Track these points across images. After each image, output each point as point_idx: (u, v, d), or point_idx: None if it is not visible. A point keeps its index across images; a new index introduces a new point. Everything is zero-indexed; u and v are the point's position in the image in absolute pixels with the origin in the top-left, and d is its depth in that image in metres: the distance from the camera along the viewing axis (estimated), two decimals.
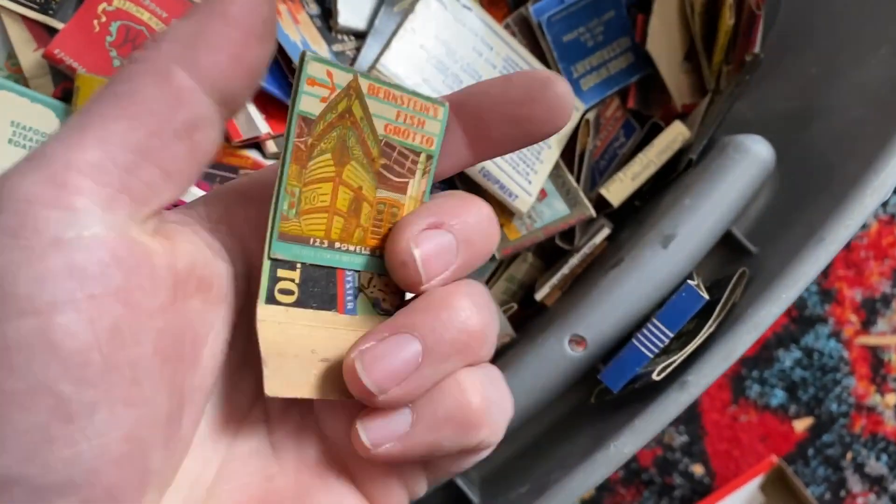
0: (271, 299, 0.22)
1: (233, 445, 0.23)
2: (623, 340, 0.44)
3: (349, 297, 0.23)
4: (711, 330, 0.40)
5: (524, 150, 0.49)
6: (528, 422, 0.46)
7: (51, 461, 0.17)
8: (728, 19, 0.51)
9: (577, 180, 0.51)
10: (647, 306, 0.43)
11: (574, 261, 0.49)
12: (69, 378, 0.17)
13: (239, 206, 0.23)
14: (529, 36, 0.51)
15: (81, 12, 0.46)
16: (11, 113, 0.44)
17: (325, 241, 0.22)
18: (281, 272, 0.22)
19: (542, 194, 0.50)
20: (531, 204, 0.48)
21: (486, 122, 0.23)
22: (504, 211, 0.49)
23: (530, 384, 0.45)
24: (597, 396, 0.45)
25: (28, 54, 0.47)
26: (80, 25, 0.46)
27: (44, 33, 0.47)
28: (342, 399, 0.22)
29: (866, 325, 0.70)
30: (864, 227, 0.70)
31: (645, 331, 0.40)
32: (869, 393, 0.70)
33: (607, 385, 0.41)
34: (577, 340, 0.44)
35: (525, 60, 0.50)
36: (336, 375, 0.22)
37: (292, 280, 0.22)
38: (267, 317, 0.22)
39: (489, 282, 0.52)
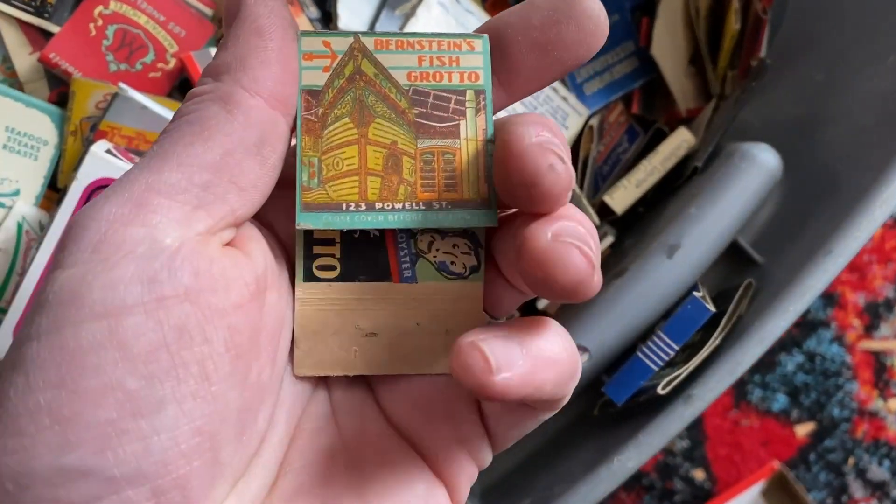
0: (310, 276, 0.22)
1: (300, 425, 0.23)
2: (627, 351, 0.43)
3: (405, 265, 0.22)
4: (717, 343, 0.39)
5: None
6: (531, 433, 0.46)
7: (121, 453, 0.18)
8: (734, 24, 0.50)
9: (581, 187, 0.51)
10: (651, 317, 0.43)
11: None
12: (137, 375, 0.18)
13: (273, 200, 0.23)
14: None
15: (77, 16, 0.45)
16: (6, 118, 0.44)
17: (363, 204, 0.21)
18: (318, 248, 0.22)
19: None
20: None
21: (512, 54, 0.21)
22: None
23: None
24: (600, 409, 0.45)
25: (23, 58, 0.46)
26: (75, 29, 0.45)
27: (39, 37, 0.46)
28: (383, 372, 0.22)
29: (869, 329, 0.69)
30: None
31: (650, 343, 0.40)
32: (871, 398, 0.70)
33: (611, 398, 0.40)
34: (581, 351, 0.43)
35: None
36: (387, 349, 0.21)
37: (332, 255, 0.22)
38: (306, 295, 0.21)
39: None
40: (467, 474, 0.23)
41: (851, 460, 0.69)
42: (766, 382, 0.69)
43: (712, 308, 0.39)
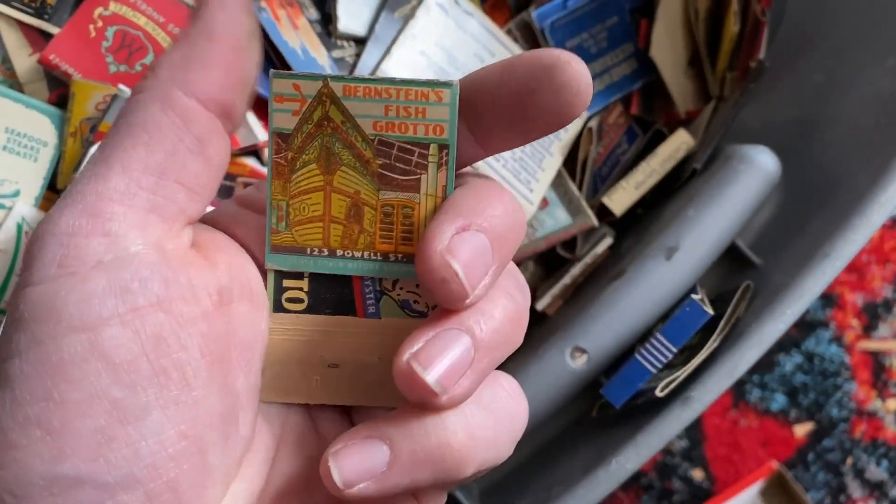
0: (279, 308, 0.22)
1: (283, 429, 0.23)
2: (625, 353, 0.43)
3: (370, 301, 0.23)
4: (715, 345, 0.39)
5: (525, 157, 0.48)
6: (529, 434, 0.46)
7: (113, 459, 0.18)
8: (733, 26, 0.50)
9: (580, 188, 0.51)
10: (649, 319, 0.43)
11: (576, 270, 0.49)
12: (121, 384, 0.19)
13: (242, 218, 0.24)
14: (532, 41, 0.51)
15: (77, 17, 0.45)
16: (6, 119, 0.44)
17: (325, 250, 0.22)
18: (287, 282, 0.22)
19: (544, 203, 0.49)
20: (533, 213, 0.48)
21: (485, 116, 0.21)
22: None
23: (532, 396, 0.44)
24: (598, 410, 0.45)
25: (23, 59, 0.46)
26: (75, 30, 0.45)
27: (39, 38, 0.46)
28: (343, 403, 0.22)
29: (868, 329, 0.69)
30: None
31: (648, 345, 0.40)
32: (870, 398, 0.70)
33: (609, 401, 0.40)
34: (579, 353, 0.44)
35: None
36: (347, 380, 0.22)
37: (300, 289, 0.22)
38: (275, 325, 0.22)
39: None
40: None
41: (850, 460, 0.69)
42: (764, 382, 0.69)
43: (710, 311, 0.39)
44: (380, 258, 0.22)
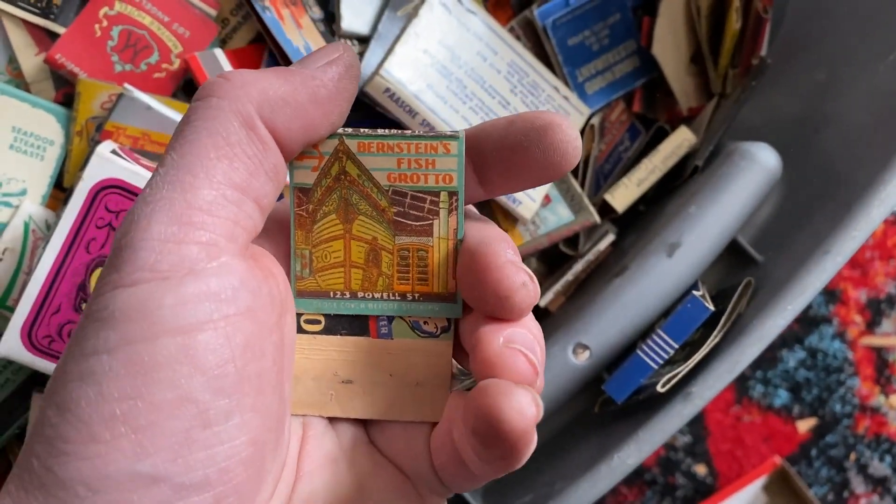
0: (298, 329, 0.24)
1: (307, 427, 0.24)
2: (627, 349, 0.44)
3: (383, 323, 0.24)
4: (716, 341, 0.40)
5: None
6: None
7: (191, 461, 0.19)
8: (735, 23, 0.50)
9: (582, 186, 0.51)
10: (651, 315, 0.43)
11: (578, 267, 0.49)
12: (210, 389, 0.19)
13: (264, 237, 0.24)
14: (534, 39, 0.51)
15: (83, 17, 0.46)
16: (13, 119, 0.44)
17: (347, 293, 0.24)
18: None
19: (547, 200, 0.50)
20: (535, 210, 0.48)
21: (486, 164, 0.23)
22: (508, 217, 0.49)
23: None
24: (601, 406, 0.45)
25: (29, 59, 0.46)
26: (81, 30, 0.46)
27: (45, 37, 0.46)
28: (355, 416, 0.24)
29: (871, 325, 0.69)
30: None
31: (650, 341, 0.40)
32: (873, 394, 0.70)
33: (611, 396, 0.40)
34: (582, 349, 0.44)
35: (529, 65, 0.49)
36: (360, 395, 0.24)
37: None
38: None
39: None
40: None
41: (853, 456, 0.69)
42: (767, 378, 0.69)
43: (711, 307, 0.39)
44: (398, 297, 0.24)
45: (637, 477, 0.68)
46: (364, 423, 0.25)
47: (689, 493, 0.68)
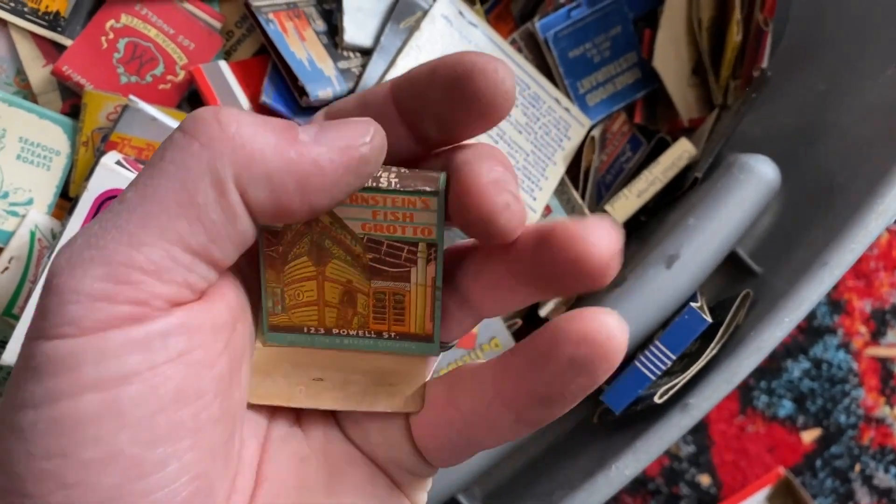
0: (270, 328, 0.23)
1: (270, 429, 0.23)
2: (626, 360, 0.44)
3: None
4: (714, 352, 0.40)
5: (529, 165, 0.49)
6: (531, 439, 0.46)
7: None
8: (735, 35, 0.50)
9: (583, 197, 0.51)
10: (650, 326, 0.43)
11: None
12: (139, 442, 0.18)
13: None
14: (536, 51, 0.51)
15: (89, 29, 0.46)
16: (20, 129, 0.45)
17: (322, 329, 0.23)
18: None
19: (547, 210, 0.50)
20: (536, 220, 0.48)
21: (419, 118, 0.21)
22: None
23: None
24: (599, 416, 0.45)
25: (37, 70, 0.47)
26: (88, 42, 0.46)
27: (52, 49, 0.47)
28: (325, 407, 0.23)
29: (876, 336, 0.69)
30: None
31: (647, 353, 0.40)
32: (878, 405, 0.70)
33: (609, 406, 0.41)
34: None
35: (531, 76, 0.50)
36: (331, 390, 0.23)
37: None
38: (266, 345, 0.23)
39: None
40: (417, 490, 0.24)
41: (858, 467, 0.69)
42: (772, 388, 0.69)
43: (709, 318, 0.39)
44: (374, 335, 0.23)
45: (641, 487, 0.68)
46: (337, 421, 0.24)
47: None
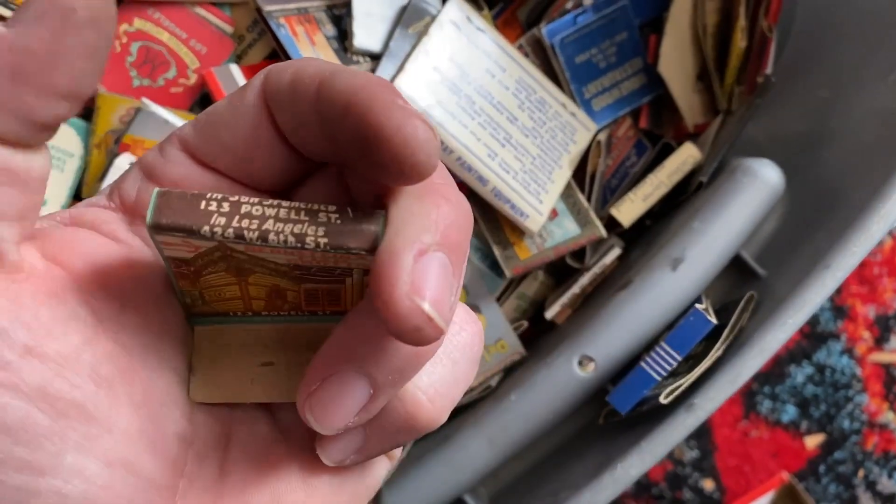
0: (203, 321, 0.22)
1: (231, 415, 0.22)
2: (632, 361, 0.44)
3: None
4: (719, 354, 0.40)
5: (535, 169, 0.49)
6: (538, 441, 0.47)
7: None
8: (740, 41, 0.51)
9: (589, 200, 0.52)
10: (655, 328, 0.44)
11: (584, 280, 0.50)
12: (22, 443, 0.17)
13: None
14: (542, 57, 0.52)
15: None
16: None
17: (250, 312, 0.21)
18: None
19: (554, 214, 0.51)
20: (542, 223, 0.49)
21: (304, 137, 0.19)
22: (515, 230, 0.50)
23: (540, 404, 0.45)
24: (605, 417, 0.46)
25: None
26: None
27: None
28: (279, 400, 0.21)
29: (879, 342, 0.70)
30: (878, 243, 0.70)
31: (653, 353, 0.41)
32: (882, 410, 0.70)
33: (615, 407, 0.41)
34: (587, 361, 0.45)
35: (537, 81, 0.50)
36: (283, 377, 0.21)
37: None
38: (202, 332, 0.21)
39: (500, 299, 0.52)
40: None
41: (861, 472, 0.69)
42: (775, 394, 0.69)
43: (714, 320, 0.40)
44: (307, 313, 0.21)
45: (644, 491, 0.68)
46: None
47: None
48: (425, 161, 0.17)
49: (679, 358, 0.40)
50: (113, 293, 0.19)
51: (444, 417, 0.21)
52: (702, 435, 0.69)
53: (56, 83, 0.17)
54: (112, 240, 0.20)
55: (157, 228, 0.17)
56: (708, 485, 0.68)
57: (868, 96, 0.46)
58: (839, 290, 0.69)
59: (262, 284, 0.20)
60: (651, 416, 0.41)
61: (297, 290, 0.20)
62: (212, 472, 0.21)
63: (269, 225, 0.17)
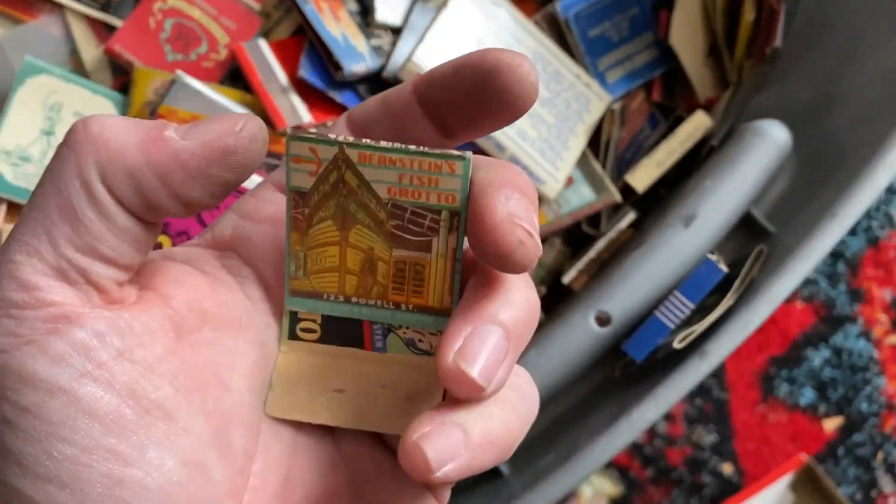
0: (293, 336, 0.24)
1: (296, 439, 0.24)
2: (646, 317, 0.46)
3: (377, 336, 0.24)
4: (731, 303, 0.42)
5: (552, 138, 0.51)
6: (556, 397, 0.48)
7: (127, 497, 0.20)
8: (749, 14, 0.53)
9: (604, 167, 0.54)
10: (669, 284, 0.45)
11: (600, 245, 0.51)
12: (111, 433, 0.20)
13: (245, 230, 0.24)
14: (557, 31, 0.54)
15: (139, 11, 0.50)
16: (75, 104, 0.48)
17: (341, 296, 0.23)
18: (302, 313, 0.24)
19: (570, 181, 0.52)
20: (559, 190, 0.51)
21: (443, 110, 0.23)
22: None
23: (558, 360, 0.47)
24: (621, 369, 0.47)
25: (90, 51, 0.50)
26: (137, 23, 0.50)
27: (104, 31, 0.51)
28: (345, 426, 0.23)
29: None
30: (893, 226, 0.70)
31: (667, 303, 0.42)
32: None
33: (631, 355, 0.43)
34: (603, 317, 0.46)
35: (552, 54, 0.52)
36: (352, 405, 0.23)
37: (314, 321, 0.24)
38: (289, 349, 0.24)
39: None
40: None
41: (880, 454, 0.69)
42: (793, 377, 0.69)
43: (725, 269, 0.41)
44: (392, 307, 0.23)
45: (664, 476, 0.68)
46: (376, 434, 0.24)
47: (716, 492, 0.69)
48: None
49: (692, 306, 0.41)
50: (195, 313, 0.22)
51: (515, 444, 0.22)
52: (720, 419, 0.69)
53: (190, 197, 0.21)
54: (200, 272, 0.23)
55: (293, 135, 0.21)
56: (727, 469, 0.68)
57: (873, 60, 0.47)
58: (855, 274, 0.70)
59: (360, 247, 0.22)
60: (665, 363, 0.42)
61: (388, 263, 0.23)
62: (273, 488, 0.23)
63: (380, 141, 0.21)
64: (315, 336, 0.24)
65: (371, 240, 0.22)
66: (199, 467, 0.21)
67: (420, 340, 0.23)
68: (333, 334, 0.24)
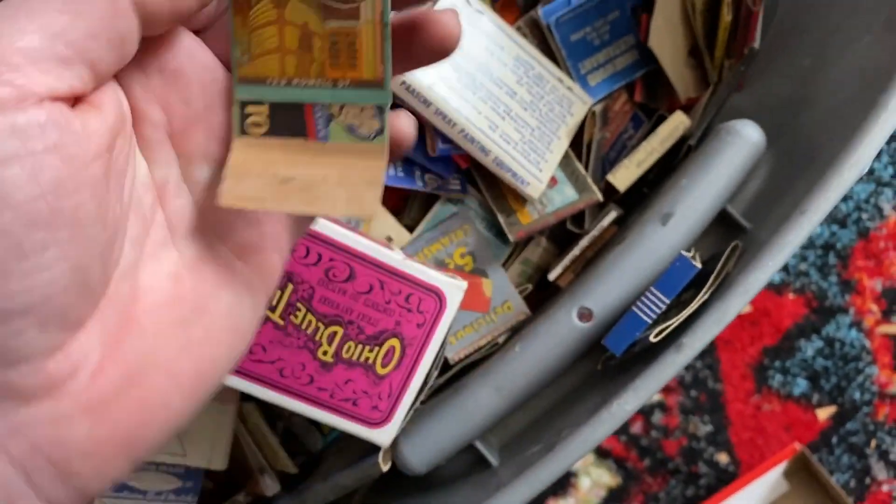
0: (243, 132, 0.26)
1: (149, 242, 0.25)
2: (625, 309, 0.47)
3: (320, 126, 0.25)
4: (705, 297, 0.43)
5: (535, 140, 0.53)
6: (542, 392, 0.50)
7: (11, 290, 0.20)
8: (726, 15, 0.54)
9: (586, 168, 0.55)
10: (648, 279, 0.47)
11: (584, 242, 0.53)
12: (21, 223, 0.20)
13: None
14: (539, 36, 0.55)
15: None
16: None
17: (284, 79, 0.25)
18: (249, 108, 0.25)
19: (553, 181, 0.54)
20: (542, 190, 0.52)
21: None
22: (517, 198, 0.53)
23: (543, 355, 0.48)
24: (603, 363, 0.48)
25: None
26: None
27: None
28: (294, 212, 0.26)
29: (887, 314, 0.70)
30: (883, 217, 0.71)
31: (644, 299, 0.44)
32: (892, 381, 0.70)
33: (610, 349, 0.44)
34: (585, 313, 0.48)
35: (534, 58, 0.54)
36: (297, 192, 0.25)
37: (261, 114, 0.25)
38: (239, 145, 0.25)
39: (505, 264, 0.56)
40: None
41: (873, 442, 0.70)
42: (786, 368, 0.70)
43: (698, 265, 0.43)
44: (330, 85, 0.25)
45: (661, 466, 0.69)
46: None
47: (712, 482, 0.69)
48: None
49: (667, 301, 0.43)
50: (117, 131, 0.23)
51: None
52: (715, 410, 0.70)
53: None
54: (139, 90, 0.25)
55: None
56: (722, 458, 0.69)
57: (845, 58, 0.49)
58: (846, 265, 0.71)
59: (296, 24, 0.24)
60: (644, 358, 0.44)
61: (323, 38, 0.24)
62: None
63: None
64: (263, 130, 0.25)
65: (304, 14, 0.24)
66: (83, 275, 0.21)
67: (360, 126, 0.25)
68: (280, 126, 0.25)
